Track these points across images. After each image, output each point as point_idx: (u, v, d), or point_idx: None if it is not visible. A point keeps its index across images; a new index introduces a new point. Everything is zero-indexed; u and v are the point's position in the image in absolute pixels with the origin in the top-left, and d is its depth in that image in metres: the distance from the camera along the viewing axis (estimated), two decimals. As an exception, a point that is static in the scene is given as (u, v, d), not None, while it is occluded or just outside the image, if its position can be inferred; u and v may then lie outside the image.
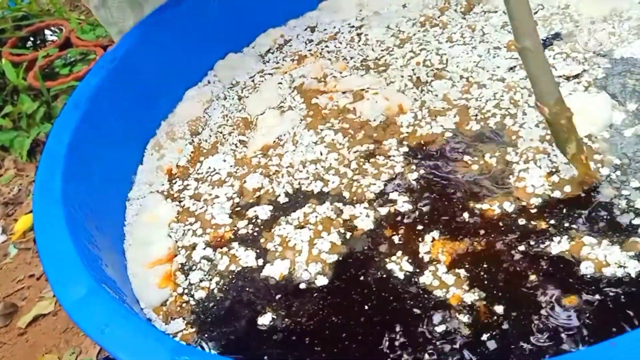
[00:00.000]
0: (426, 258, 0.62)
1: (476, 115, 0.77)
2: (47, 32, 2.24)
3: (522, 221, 0.63)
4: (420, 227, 0.65)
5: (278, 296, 0.62)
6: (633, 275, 0.55)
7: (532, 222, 0.62)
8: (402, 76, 0.87)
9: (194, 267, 0.69)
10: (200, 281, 0.68)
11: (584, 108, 0.69)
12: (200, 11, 0.96)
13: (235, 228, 0.72)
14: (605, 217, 0.60)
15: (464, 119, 0.77)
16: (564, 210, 0.62)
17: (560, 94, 0.60)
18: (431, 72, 0.86)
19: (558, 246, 0.59)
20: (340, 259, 0.65)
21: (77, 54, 2.07)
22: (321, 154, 0.78)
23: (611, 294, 0.54)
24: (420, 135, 0.76)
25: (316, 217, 0.70)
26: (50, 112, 1.90)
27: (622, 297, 0.53)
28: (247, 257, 0.68)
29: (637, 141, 0.67)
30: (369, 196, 0.70)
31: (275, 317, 0.61)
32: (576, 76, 0.78)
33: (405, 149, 0.75)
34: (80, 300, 0.53)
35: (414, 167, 0.72)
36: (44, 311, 1.48)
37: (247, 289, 0.65)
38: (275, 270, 0.65)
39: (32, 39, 2.23)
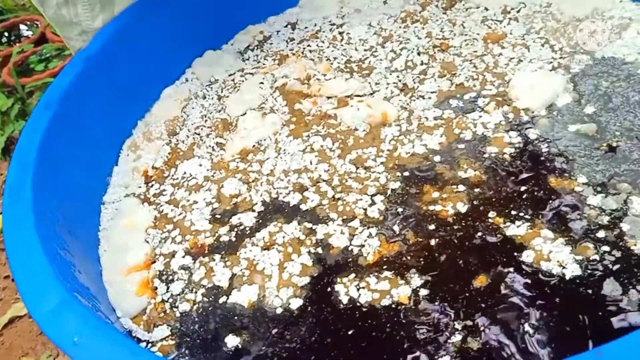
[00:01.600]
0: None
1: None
2: (22, 27, 2.20)
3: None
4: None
5: (254, 320, 0.60)
6: (567, 278, 0.55)
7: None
8: (388, 83, 0.85)
9: (174, 277, 0.67)
10: (183, 292, 0.65)
11: (535, 85, 0.75)
12: (177, 7, 0.94)
13: (217, 234, 0.70)
14: (570, 217, 0.61)
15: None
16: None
17: None
18: (417, 77, 0.84)
19: (516, 229, 0.60)
20: (313, 280, 0.62)
21: (52, 49, 2.03)
22: (311, 162, 0.76)
23: (534, 286, 0.55)
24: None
25: (284, 237, 0.67)
26: (25, 109, 1.87)
27: (544, 292, 0.54)
28: (222, 275, 0.65)
29: (574, 137, 0.68)
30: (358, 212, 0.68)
31: (249, 340, 0.58)
32: (549, 59, 0.80)
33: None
34: (51, 312, 0.51)
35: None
36: (19, 313, 1.45)
37: (218, 310, 0.62)
38: (242, 297, 0.62)
39: (6, 34, 2.19)
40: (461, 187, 0.66)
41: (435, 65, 0.85)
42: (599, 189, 0.62)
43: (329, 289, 0.60)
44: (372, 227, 0.65)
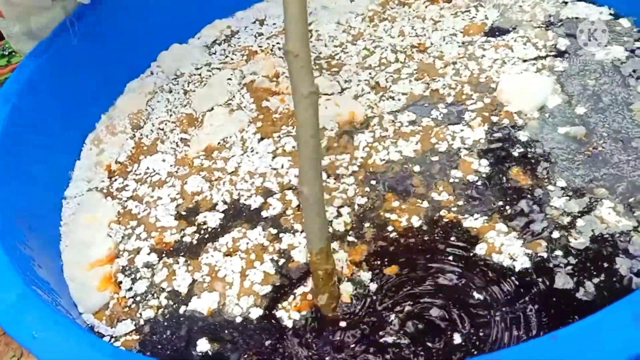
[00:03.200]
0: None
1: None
2: (-18, 20, 2.12)
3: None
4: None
5: (214, 326, 0.59)
6: (516, 269, 0.56)
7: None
8: (360, 80, 0.84)
9: (137, 275, 0.66)
10: (146, 297, 0.64)
11: (524, 88, 0.74)
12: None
13: (183, 232, 0.69)
14: (528, 213, 0.62)
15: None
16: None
17: (328, 247, 0.56)
18: (390, 77, 0.83)
19: (474, 222, 0.62)
20: (274, 289, 0.61)
21: (14, 43, 1.98)
22: (282, 166, 0.74)
23: (482, 273, 0.57)
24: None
25: (247, 243, 0.66)
26: (-15, 105, 1.81)
27: (489, 281, 0.56)
28: (182, 280, 0.64)
29: (563, 140, 0.68)
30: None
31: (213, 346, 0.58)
32: (532, 60, 0.80)
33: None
34: (10, 306, 0.50)
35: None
36: (-21, 313, 1.41)
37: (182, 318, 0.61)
38: (202, 305, 0.61)
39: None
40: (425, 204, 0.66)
41: (411, 65, 0.85)
42: (570, 192, 0.62)
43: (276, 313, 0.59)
44: (335, 240, 0.64)
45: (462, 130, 0.72)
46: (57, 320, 0.49)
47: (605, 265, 0.55)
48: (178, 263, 0.66)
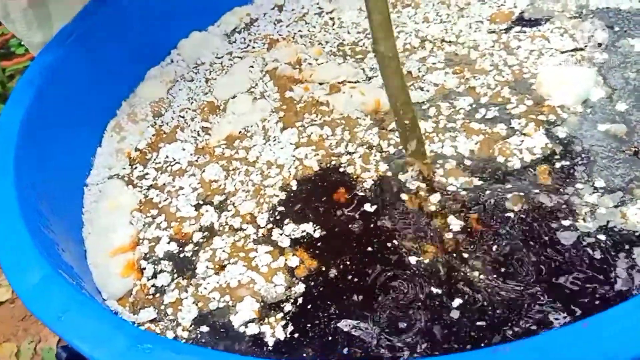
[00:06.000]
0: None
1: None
2: (2, 10, 2.14)
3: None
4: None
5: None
6: None
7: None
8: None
9: (160, 267, 0.65)
10: (168, 285, 0.63)
11: (566, 80, 0.71)
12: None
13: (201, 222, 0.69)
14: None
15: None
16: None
17: (409, 98, 0.61)
18: (423, 66, 0.81)
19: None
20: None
21: (34, 33, 1.99)
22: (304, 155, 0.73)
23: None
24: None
25: (223, 250, 0.64)
26: (5, 93, 1.83)
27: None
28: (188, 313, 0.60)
29: (602, 138, 0.65)
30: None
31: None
32: (571, 51, 0.77)
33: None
34: (35, 287, 0.50)
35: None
36: (0, 299, 1.43)
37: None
38: (245, 315, 0.57)
39: (-15, 17, 2.14)
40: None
41: (438, 55, 0.82)
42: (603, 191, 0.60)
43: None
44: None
45: (522, 142, 0.67)
46: (83, 302, 0.49)
47: (624, 255, 0.53)
48: (201, 286, 0.62)
